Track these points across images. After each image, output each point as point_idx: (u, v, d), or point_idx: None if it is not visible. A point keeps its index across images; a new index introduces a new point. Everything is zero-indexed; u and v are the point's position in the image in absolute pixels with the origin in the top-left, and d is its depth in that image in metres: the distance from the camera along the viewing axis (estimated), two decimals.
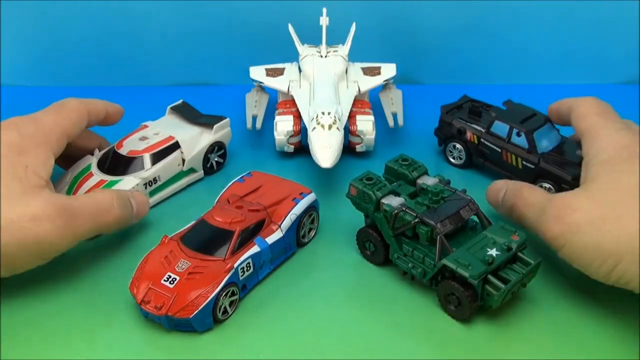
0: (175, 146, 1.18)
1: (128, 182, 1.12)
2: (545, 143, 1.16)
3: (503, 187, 1.07)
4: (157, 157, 1.16)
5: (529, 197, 1.01)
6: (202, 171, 1.23)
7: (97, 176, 1.12)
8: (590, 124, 1.02)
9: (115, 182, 1.12)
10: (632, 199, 0.88)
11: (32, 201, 0.92)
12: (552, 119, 1.16)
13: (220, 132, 1.24)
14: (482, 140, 1.21)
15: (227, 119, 1.26)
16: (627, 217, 0.86)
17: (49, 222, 0.91)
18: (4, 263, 0.91)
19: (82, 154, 1.17)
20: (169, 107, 1.28)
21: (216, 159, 1.25)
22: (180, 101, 1.29)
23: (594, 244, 0.88)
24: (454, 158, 1.27)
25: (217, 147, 1.24)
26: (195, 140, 1.21)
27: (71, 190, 1.11)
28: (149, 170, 1.14)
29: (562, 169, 1.11)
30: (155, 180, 1.15)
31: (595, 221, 0.88)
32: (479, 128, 1.21)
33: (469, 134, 1.22)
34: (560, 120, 1.15)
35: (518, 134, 1.16)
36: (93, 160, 1.15)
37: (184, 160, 1.19)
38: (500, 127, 1.18)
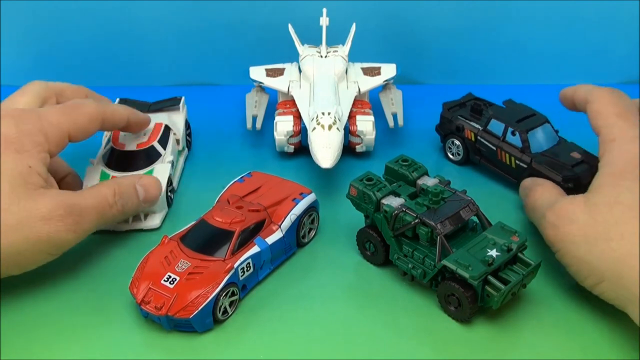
0: (168, 129, 1.22)
1: (162, 170, 1.14)
2: (540, 143, 1.16)
3: (526, 186, 1.09)
4: (162, 143, 1.19)
5: (542, 194, 1.03)
6: (187, 149, 1.29)
7: (129, 174, 1.13)
8: (609, 125, 0.99)
9: (151, 170, 1.14)
10: (627, 221, 0.88)
11: (41, 201, 0.93)
12: (565, 104, 1.13)
13: (184, 110, 1.30)
14: (479, 138, 1.21)
15: (183, 97, 1.31)
16: (618, 241, 0.88)
17: (60, 221, 0.94)
18: (15, 261, 0.93)
19: None
20: (118, 99, 1.31)
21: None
22: (117, 99, 1.31)
23: (583, 258, 0.91)
24: (452, 154, 1.27)
25: (187, 124, 1.31)
26: (173, 122, 1.25)
27: None
28: (167, 154, 1.18)
29: (554, 170, 1.11)
30: (173, 162, 1.19)
31: (589, 238, 0.90)
32: (476, 126, 1.22)
33: (466, 132, 1.23)
34: (574, 107, 1.11)
35: (513, 133, 1.16)
36: (99, 169, 1.15)
37: (178, 140, 1.24)
38: (497, 126, 1.19)
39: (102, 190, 1.02)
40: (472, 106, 1.26)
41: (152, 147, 1.17)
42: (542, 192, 1.04)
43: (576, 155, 1.14)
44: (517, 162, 1.16)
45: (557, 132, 1.18)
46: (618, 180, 0.92)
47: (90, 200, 0.99)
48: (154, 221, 1.12)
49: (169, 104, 1.29)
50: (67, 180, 1.15)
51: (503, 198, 1.18)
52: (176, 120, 1.27)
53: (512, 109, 1.21)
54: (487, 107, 1.25)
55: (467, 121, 1.23)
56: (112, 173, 1.14)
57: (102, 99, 1.21)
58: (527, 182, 1.11)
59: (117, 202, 1.03)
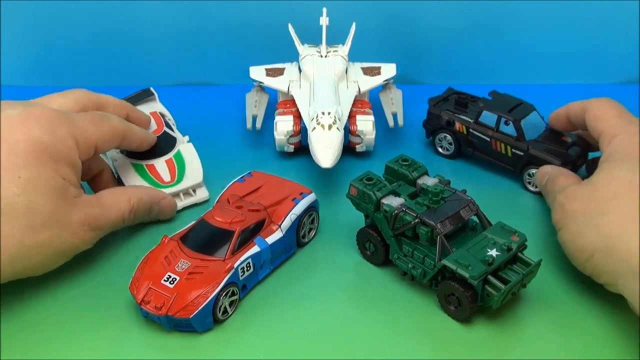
0: (163, 116, 1.25)
1: (188, 149, 1.20)
2: (532, 131, 1.19)
3: (548, 172, 1.11)
4: (168, 127, 1.22)
5: (558, 182, 1.06)
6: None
7: (161, 159, 1.17)
8: (611, 125, 1.04)
9: (179, 151, 1.19)
10: (623, 195, 0.91)
11: (74, 214, 0.95)
12: (558, 124, 1.17)
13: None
14: (471, 130, 1.23)
15: (151, 87, 1.35)
16: (611, 215, 0.91)
17: (84, 236, 0.97)
18: (40, 267, 0.95)
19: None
20: None
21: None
22: None
23: (579, 232, 0.94)
24: (442, 149, 1.29)
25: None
26: (160, 111, 1.29)
27: (154, 182, 1.14)
28: (178, 136, 1.22)
29: (551, 154, 1.15)
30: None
31: (587, 213, 0.94)
32: (467, 119, 1.24)
33: (457, 125, 1.25)
34: (569, 125, 1.15)
35: (506, 123, 1.19)
36: (127, 162, 1.16)
37: (174, 125, 1.28)
38: (489, 117, 1.21)
39: (122, 205, 1.03)
40: (456, 100, 1.28)
41: (165, 132, 1.20)
42: (563, 178, 1.06)
43: (566, 139, 1.18)
44: (513, 150, 1.19)
45: (543, 119, 1.22)
46: (618, 164, 0.96)
47: (111, 214, 1.01)
48: (204, 193, 1.17)
49: (145, 96, 1.32)
50: (104, 178, 1.14)
51: (499, 186, 1.21)
52: (160, 109, 1.30)
53: (499, 100, 1.24)
54: (470, 100, 1.28)
55: (456, 115, 1.25)
56: (144, 162, 1.16)
57: (144, 117, 1.19)
58: (547, 169, 1.12)
59: (129, 218, 1.05)
